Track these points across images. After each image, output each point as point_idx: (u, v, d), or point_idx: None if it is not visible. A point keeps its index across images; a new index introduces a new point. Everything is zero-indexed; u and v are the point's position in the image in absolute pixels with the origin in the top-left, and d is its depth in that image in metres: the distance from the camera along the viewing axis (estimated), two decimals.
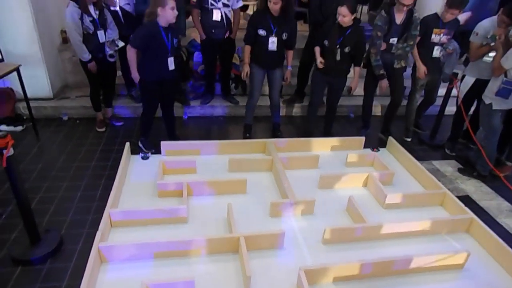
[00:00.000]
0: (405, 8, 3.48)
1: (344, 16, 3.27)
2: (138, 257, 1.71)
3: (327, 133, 4.04)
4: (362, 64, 3.71)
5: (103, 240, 1.73)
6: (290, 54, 3.75)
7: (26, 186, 2.88)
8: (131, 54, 3.13)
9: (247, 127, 4.12)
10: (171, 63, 3.24)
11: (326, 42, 3.51)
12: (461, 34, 4.06)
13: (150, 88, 3.31)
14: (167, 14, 2.99)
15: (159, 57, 3.17)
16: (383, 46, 3.65)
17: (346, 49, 3.44)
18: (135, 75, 3.26)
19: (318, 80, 3.77)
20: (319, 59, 3.58)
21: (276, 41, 3.51)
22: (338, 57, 3.48)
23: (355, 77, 3.65)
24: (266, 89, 4.04)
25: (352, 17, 3.32)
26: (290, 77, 3.86)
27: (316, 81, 3.82)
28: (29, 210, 2.35)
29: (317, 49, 3.64)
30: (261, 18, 3.50)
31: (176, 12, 3.04)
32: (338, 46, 3.43)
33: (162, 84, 3.31)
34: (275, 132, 4.12)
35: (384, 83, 3.77)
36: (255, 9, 6.44)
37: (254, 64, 3.68)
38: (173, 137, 3.72)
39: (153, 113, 3.51)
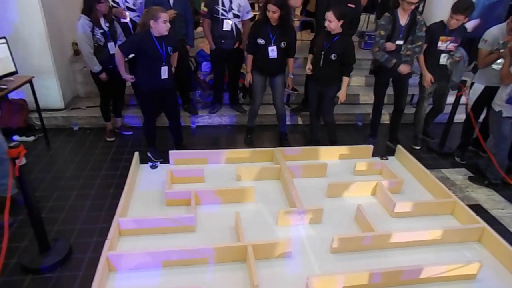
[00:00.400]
0: (412, 7, 3.48)
1: (330, 21, 3.28)
2: (147, 266, 1.72)
3: (330, 142, 4.03)
4: (350, 74, 3.70)
5: (112, 249, 1.75)
6: (291, 62, 3.81)
7: (36, 195, 2.92)
8: (119, 58, 3.21)
9: (248, 129, 4.24)
10: (164, 72, 3.26)
11: (314, 49, 3.56)
12: (470, 41, 4.04)
13: (146, 96, 3.35)
14: (159, 27, 3.05)
15: (153, 66, 3.21)
16: (393, 46, 3.63)
17: (333, 56, 3.41)
18: (126, 76, 3.35)
19: (311, 88, 3.81)
20: (308, 65, 3.64)
21: (275, 49, 3.57)
22: (322, 64, 3.48)
23: (342, 87, 3.60)
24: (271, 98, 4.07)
25: (340, 24, 3.31)
26: (291, 84, 3.93)
27: (310, 90, 3.86)
28: (40, 219, 2.38)
29: (310, 56, 3.71)
30: (260, 28, 3.58)
31: (168, 26, 3.09)
32: (323, 53, 3.45)
33: (160, 94, 3.34)
34: (282, 141, 4.14)
35: (402, 67, 3.68)
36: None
37: (255, 71, 3.77)
38: (180, 148, 3.75)
39: (153, 121, 3.54)
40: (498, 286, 1.76)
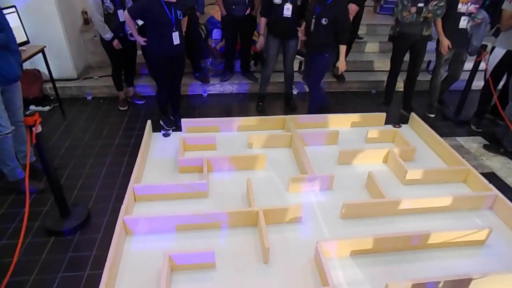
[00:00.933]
0: None
1: None
2: (161, 230, 1.78)
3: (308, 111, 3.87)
4: (349, 41, 3.58)
5: (128, 213, 1.81)
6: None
7: (55, 163, 3.00)
8: (129, 21, 3.18)
9: (260, 97, 4.20)
10: (175, 38, 3.21)
11: (306, 13, 3.45)
12: (493, 3, 3.84)
13: (157, 63, 3.33)
14: None
15: (163, 32, 3.16)
16: (413, 9, 3.49)
17: (323, 21, 3.23)
18: (138, 38, 3.31)
19: (308, 55, 3.68)
20: (302, 32, 3.53)
21: (291, 8, 3.48)
22: (312, 28, 3.32)
23: (340, 56, 3.40)
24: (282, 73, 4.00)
25: None
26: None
27: (307, 57, 3.75)
28: (59, 186, 2.47)
29: (304, 24, 3.55)
30: None
31: None
32: (314, 17, 3.30)
33: (171, 60, 3.31)
34: (288, 102, 4.13)
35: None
36: None
37: (269, 34, 3.69)
38: (176, 116, 3.75)
39: (165, 89, 3.53)
40: (506, 252, 1.77)
